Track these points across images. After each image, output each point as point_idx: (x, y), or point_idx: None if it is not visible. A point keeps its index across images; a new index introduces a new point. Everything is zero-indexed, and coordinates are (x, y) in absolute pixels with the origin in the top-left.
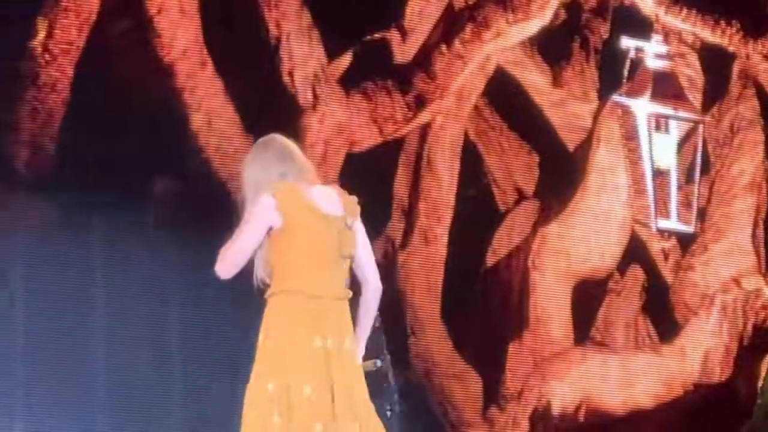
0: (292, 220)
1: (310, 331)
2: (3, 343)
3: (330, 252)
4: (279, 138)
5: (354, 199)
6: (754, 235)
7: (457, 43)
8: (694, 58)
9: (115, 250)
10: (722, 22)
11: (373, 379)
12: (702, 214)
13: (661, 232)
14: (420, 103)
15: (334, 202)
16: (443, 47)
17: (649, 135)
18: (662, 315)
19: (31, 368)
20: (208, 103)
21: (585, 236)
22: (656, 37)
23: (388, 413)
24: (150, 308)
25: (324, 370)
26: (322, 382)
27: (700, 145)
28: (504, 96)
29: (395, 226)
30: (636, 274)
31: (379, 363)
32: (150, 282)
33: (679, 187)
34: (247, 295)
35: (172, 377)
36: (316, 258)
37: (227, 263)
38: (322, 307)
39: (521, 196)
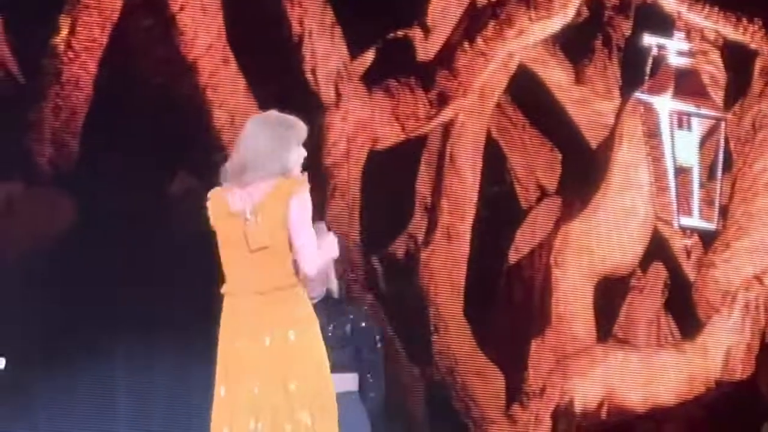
0: (214, 223)
1: (233, 331)
2: (25, 339)
3: (238, 249)
4: (251, 121)
5: (290, 181)
6: None
7: (479, 41)
8: (716, 56)
9: (138, 247)
10: (744, 19)
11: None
12: (724, 212)
13: (684, 229)
14: (442, 100)
15: (241, 199)
16: (466, 45)
17: (672, 132)
18: (684, 312)
19: (53, 364)
20: (230, 101)
21: (607, 234)
22: (678, 35)
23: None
24: (173, 304)
25: (239, 369)
26: (241, 381)
27: (722, 142)
28: (526, 93)
29: (418, 224)
30: (658, 271)
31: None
32: (172, 278)
33: (701, 185)
34: None
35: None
36: (229, 257)
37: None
38: (241, 306)
39: (543, 194)
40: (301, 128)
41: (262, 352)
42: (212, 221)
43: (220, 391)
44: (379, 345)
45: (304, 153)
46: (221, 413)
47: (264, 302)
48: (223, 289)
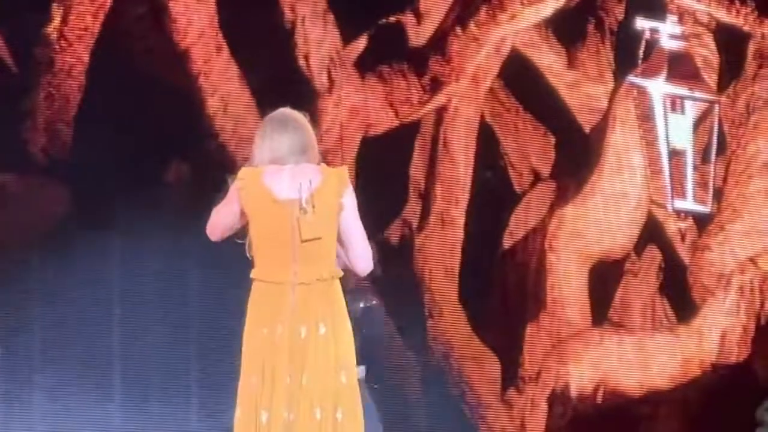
0: (248, 207)
1: (261, 319)
2: (22, 329)
3: (284, 238)
4: (280, 113)
5: (339, 172)
6: None
7: (472, 26)
8: (709, 38)
9: (132, 234)
10: (737, 1)
11: None
12: (718, 194)
13: (678, 212)
14: (435, 85)
15: (296, 185)
16: (458, 30)
17: (665, 115)
18: (679, 295)
19: (49, 352)
20: (223, 88)
21: (601, 217)
22: (671, 18)
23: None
24: (167, 292)
25: (265, 358)
26: (265, 370)
27: (715, 125)
28: (519, 78)
29: (412, 209)
30: (653, 254)
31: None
32: (167, 266)
33: (695, 168)
34: None
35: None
36: (270, 244)
37: (208, 230)
38: (280, 294)
39: (537, 178)
40: None
41: (299, 341)
42: (249, 206)
43: (250, 379)
44: (384, 336)
45: None
46: (257, 400)
47: (307, 292)
48: (256, 275)
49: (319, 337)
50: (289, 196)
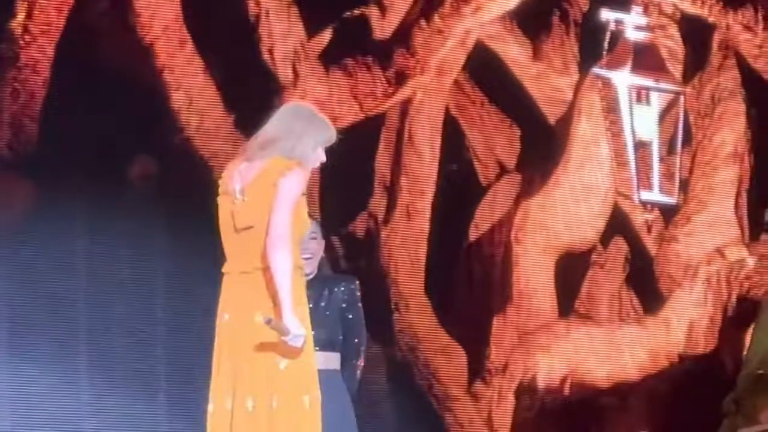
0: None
1: (223, 309)
2: None
3: (227, 228)
4: (289, 104)
5: (282, 162)
6: (736, 206)
7: (436, 18)
8: (674, 30)
9: (97, 229)
10: None
11: None
12: (684, 185)
13: (644, 203)
14: (400, 78)
15: (238, 176)
16: (423, 22)
17: (630, 107)
18: (646, 287)
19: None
20: (188, 82)
21: (567, 209)
22: (636, 9)
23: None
24: (134, 284)
25: (219, 344)
26: (218, 356)
27: (681, 116)
28: (484, 70)
29: (377, 202)
30: (619, 246)
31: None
32: (132, 260)
33: (661, 159)
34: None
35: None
36: (222, 236)
37: None
38: (229, 284)
39: (503, 170)
40: (332, 133)
41: (249, 329)
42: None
43: (218, 365)
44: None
45: (323, 158)
46: (221, 386)
47: (247, 281)
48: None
49: (254, 324)
50: (230, 188)
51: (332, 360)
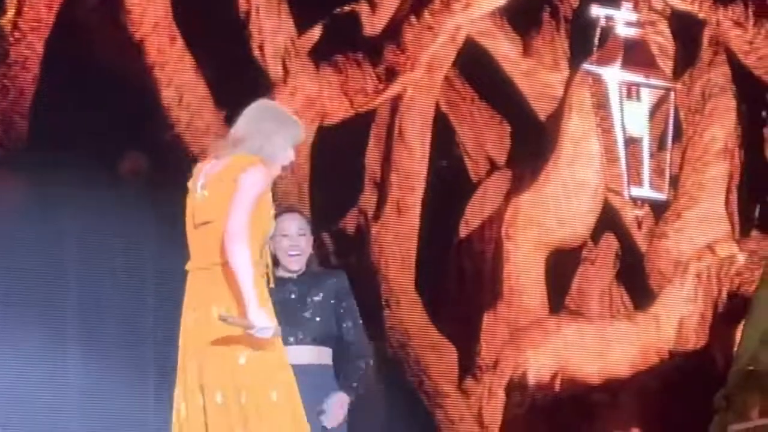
0: None
1: (185, 306)
2: None
3: (189, 225)
4: (256, 102)
5: (245, 158)
6: (727, 202)
7: (426, 15)
8: (664, 26)
9: (87, 226)
10: None
11: None
12: (675, 182)
13: (634, 199)
14: (391, 75)
15: (203, 174)
16: (413, 19)
17: (621, 103)
18: (637, 283)
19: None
20: (178, 79)
21: (558, 205)
22: (626, 5)
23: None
24: (126, 275)
25: (184, 344)
26: (183, 356)
27: (671, 112)
28: (474, 66)
29: (368, 198)
30: (610, 242)
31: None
32: (122, 255)
33: (652, 155)
34: None
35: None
36: (186, 232)
37: None
38: (190, 281)
39: (493, 167)
40: (300, 132)
41: (209, 325)
42: None
43: (183, 366)
44: (359, 320)
45: (292, 156)
46: (190, 386)
47: (206, 277)
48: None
49: (213, 319)
50: (192, 184)
51: (324, 355)
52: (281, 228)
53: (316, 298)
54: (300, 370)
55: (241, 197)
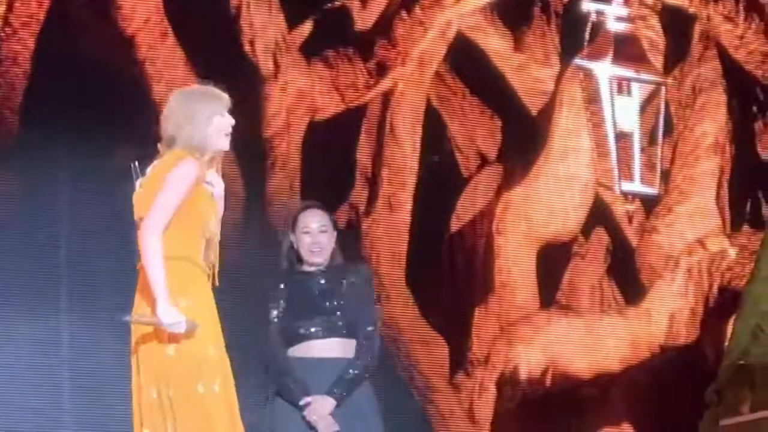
0: None
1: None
2: None
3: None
4: (172, 96)
5: (173, 153)
6: (718, 196)
7: (417, 10)
8: (655, 20)
9: (80, 222)
10: None
11: None
12: (666, 176)
13: (625, 194)
14: (381, 70)
15: (147, 172)
16: (404, 14)
17: (612, 98)
18: (627, 278)
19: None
20: (169, 74)
21: (549, 200)
22: (617, 0)
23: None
24: (116, 277)
25: (133, 342)
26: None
27: (662, 106)
28: (465, 61)
29: (359, 194)
30: (600, 237)
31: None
32: (114, 251)
33: (643, 150)
34: None
35: None
36: None
37: None
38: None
39: (484, 161)
40: (215, 99)
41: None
42: None
43: (136, 364)
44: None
45: (228, 121)
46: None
47: (140, 275)
48: None
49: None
50: (138, 182)
51: (349, 347)
52: (303, 224)
53: (338, 292)
54: (326, 364)
55: (161, 195)
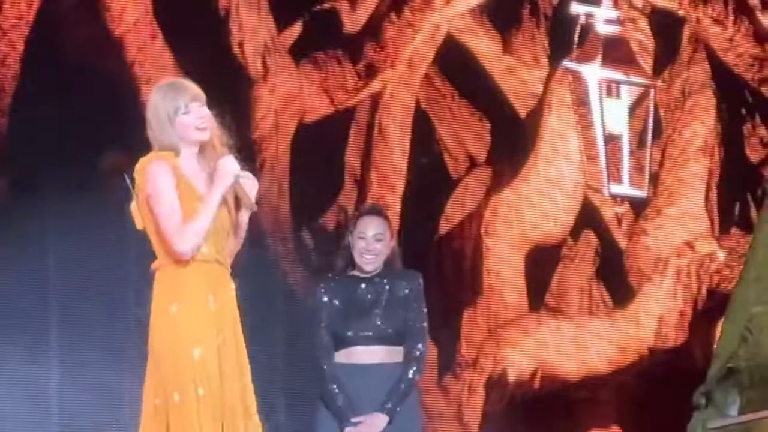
0: None
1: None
2: None
3: None
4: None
5: (144, 159)
6: (706, 199)
7: (406, 12)
8: (644, 23)
9: (68, 224)
10: None
11: None
12: (654, 179)
13: (614, 197)
14: (371, 72)
15: None
16: (393, 16)
17: (601, 100)
18: (616, 280)
19: None
20: (158, 76)
21: (538, 202)
22: (606, 2)
23: None
24: (104, 282)
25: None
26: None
27: (651, 109)
28: (454, 64)
29: (348, 195)
30: (589, 239)
31: None
32: (104, 255)
33: (631, 152)
34: None
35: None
36: None
37: None
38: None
39: (473, 164)
40: (177, 94)
41: (164, 323)
42: None
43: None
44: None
45: (195, 115)
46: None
47: (157, 279)
48: None
49: (168, 317)
50: None
51: (395, 354)
52: (360, 229)
53: (386, 299)
54: (371, 370)
55: (153, 199)
